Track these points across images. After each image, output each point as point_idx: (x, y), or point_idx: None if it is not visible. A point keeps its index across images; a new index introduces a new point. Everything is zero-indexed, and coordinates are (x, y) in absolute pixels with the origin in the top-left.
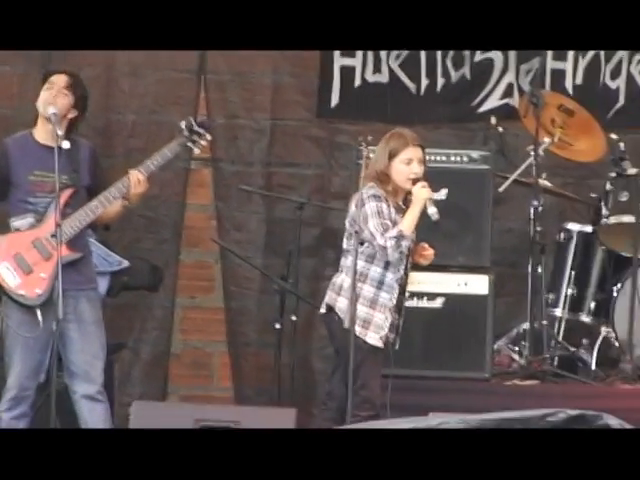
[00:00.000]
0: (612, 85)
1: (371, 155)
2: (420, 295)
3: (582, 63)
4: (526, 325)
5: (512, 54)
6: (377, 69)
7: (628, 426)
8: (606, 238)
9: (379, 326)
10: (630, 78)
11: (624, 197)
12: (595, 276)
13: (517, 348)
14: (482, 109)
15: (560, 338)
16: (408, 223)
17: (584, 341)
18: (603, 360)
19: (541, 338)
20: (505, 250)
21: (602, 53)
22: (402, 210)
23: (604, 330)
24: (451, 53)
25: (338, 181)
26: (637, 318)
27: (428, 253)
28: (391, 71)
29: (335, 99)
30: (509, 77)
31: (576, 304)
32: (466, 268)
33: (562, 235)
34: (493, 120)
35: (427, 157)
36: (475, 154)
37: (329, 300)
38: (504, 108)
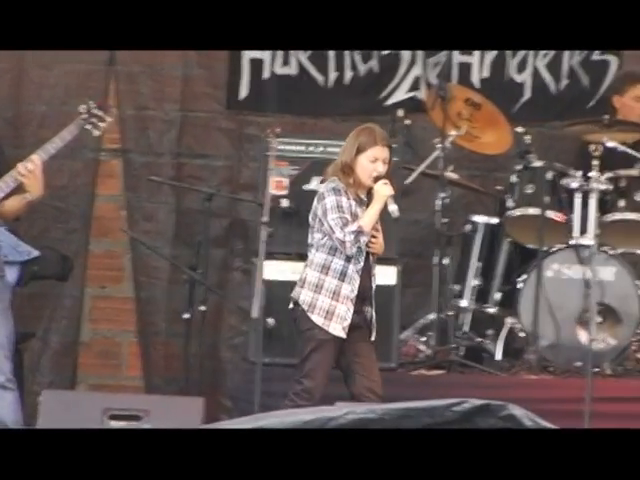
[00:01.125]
0: (518, 79)
1: (280, 147)
2: None
3: (488, 57)
4: (432, 316)
5: None
6: (286, 62)
7: (532, 416)
8: (512, 230)
9: (342, 317)
10: (536, 72)
11: (529, 189)
12: (501, 268)
13: (424, 338)
14: (390, 102)
15: (466, 329)
16: (368, 219)
17: (489, 332)
18: (508, 350)
19: (447, 328)
20: (412, 241)
21: None
22: (364, 203)
23: (509, 321)
24: None
25: (247, 172)
26: (542, 309)
27: (375, 241)
28: (300, 64)
29: (244, 91)
30: (416, 70)
31: (482, 295)
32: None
33: (468, 227)
34: (400, 113)
35: (334, 149)
36: None
37: (294, 294)
38: (411, 101)
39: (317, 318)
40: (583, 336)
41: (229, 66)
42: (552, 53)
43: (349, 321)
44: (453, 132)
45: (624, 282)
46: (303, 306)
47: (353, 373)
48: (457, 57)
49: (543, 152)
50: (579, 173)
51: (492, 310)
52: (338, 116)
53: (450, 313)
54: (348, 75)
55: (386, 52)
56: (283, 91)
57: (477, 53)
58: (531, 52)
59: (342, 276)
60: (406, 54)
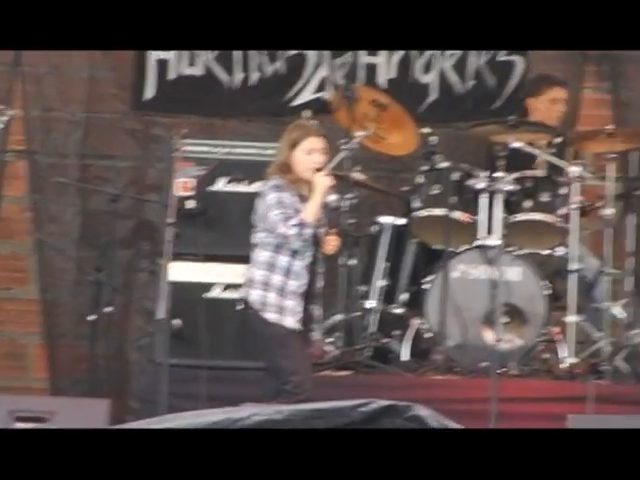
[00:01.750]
0: (424, 80)
1: (186, 148)
2: (235, 286)
3: (395, 58)
4: (339, 317)
5: None
6: (192, 62)
7: (438, 416)
8: (418, 231)
9: (293, 311)
10: (442, 73)
11: (436, 190)
12: (407, 268)
13: (331, 339)
14: (296, 103)
15: (373, 329)
16: (310, 211)
17: (396, 332)
18: (415, 351)
19: (354, 330)
20: None
21: None
22: (306, 199)
23: (416, 322)
24: None
25: (153, 173)
26: (448, 310)
27: (331, 239)
28: (206, 64)
29: (150, 92)
30: (323, 71)
31: (389, 296)
32: None
33: (375, 228)
34: (307, 114)
35: (240, 150)
36: None
37: (243, 294)
38: (318, 102)
39: (270, 315)
40: (489, 336)
41: (135, 67)
42: (458, 54)
43: (300, 315)
44: (359, 133)
45: (530, 282)
46: (254, 306)
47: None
48: (363, 58)
49: (449, 153)
50: (485, 174)
51: (399, 311)
52: (244, 117)
53: (357, 314)
54: (254, 76)
55: (292, 53)
56: (189, 92)
57: (383, 54)
58: (437, 53)
59: (287, 272)
60: (312, 55)
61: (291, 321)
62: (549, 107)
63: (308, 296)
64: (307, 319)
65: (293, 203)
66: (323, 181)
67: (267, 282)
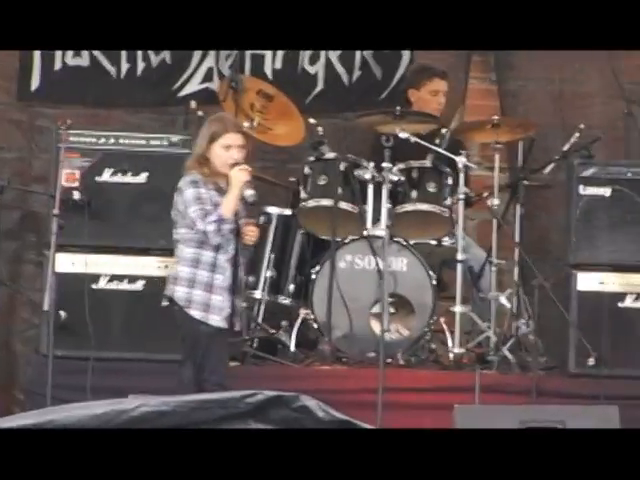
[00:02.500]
0: (311, 70)
1: (71, 139)
2: (121, 277)
3: None
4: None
5: None
6: (77, 53)
7: (325, 406)
8: (305, 221)
9: (219, 307)
10: (329, 63)
11: (322, 181)
12: (294, 259)
13: None
14: (182, 93)
15: (260, 320)
16: (227, 206)
17: (283, 323)
18: (302, 342)
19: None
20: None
21: None
22: (224, 192)
23: (303, 312)
24: None
25: (39, 164)
26: (335, 300)
27: (249, 230)
28: (91, 55)
29: (35, 82)
30: (209, 62)
31: (276, 287)
32: (167, 251)
33: (262, 218)
34: (193, 104)
35: (126, 141)
36: (175, 138)
37: (168, 292)
38: (204, 92)
39: (196, 312)
40: (376, 327)
41: (20, 57)
42: None
43: (228, 310)
44: (246, 124)
45: (417, 273)
46: (180, 302)
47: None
48: None
49: (336, 143)
50: (371, 164)
51: (286, 301)
52: (131, 107)
53: (244, 305)
54: (140, 66)
55: None
56: (75, 82)
57: None
58: None
59: (213, 267)
60: None
61: (217, 319)
62: (429, 98)
63: (233, 289)
64: (232, 312)
65: (211, 197)
66: (239, 176)
67: (193, 279)
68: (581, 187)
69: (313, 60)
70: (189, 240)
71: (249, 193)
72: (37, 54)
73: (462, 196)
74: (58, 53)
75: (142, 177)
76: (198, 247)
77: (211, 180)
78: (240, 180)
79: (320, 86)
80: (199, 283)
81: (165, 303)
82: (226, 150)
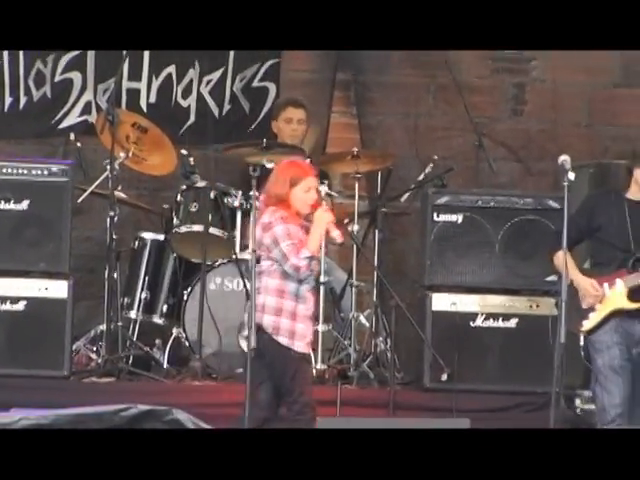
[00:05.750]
0: (184, 104)
1: None
2: (3, 299)
3: (156, 83)
4: (103, 326)
5: (90, 74)
6: None
7: (195, 420)
8: (177, 246)
9: (302, 335)
10: (200, 97)
11: (194, 208)
12: (167, 281)
13: (95, 348)
14: (62, 125)
15: (135, 338)
16: (314, 244)
17: (157, 341)
18: (174, 359)
19: (117, 338)
20: (85, 257)
21: (174, 74)
22: (304, 228)
23: (175, 331)
24: (33, 72)
25: None
26: (206, 320)
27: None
28: None
29: None
30: (88, 95)
31: (150, 307)
32: (47, 274)
33: (137, 243)
34: (72, 136)
35: (10, 170)
36: (55, 167)
37: (257, 320)
38: (83, 124)
39: (282, 339)
40: (244, 344)
41: None
42: (215, 79)
43: (310, 337)
44: (122, 154)
45: None
46: (267, 330)
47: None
48: (126, 83)
49: (206, 173)
50: (240, 193)
51: (159, 321)
52: (13, 139)
53: (120, 324)
54: (23, 100)
55: (58, 79)
56: None
57: (145, 79)
58: (195, 78)
59: (296, 297)
60: (77, 80)
61: (301, 345)
62: (284, 126)
63: (314, 318)
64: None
65: (297, 233)
66: (325, 217)
67: (280, 307)
68: (435, 214)
69: (186, 94)
70: (273, 272)
71: (336, 233)
72: None
73: None
74: None
75: (24, 204)
76: (282, 278)
77: (294, 219)
78: (325, 221)
79: (192, 119)
80: (285, 312)
81: (247, 333)
82: (306, 192)
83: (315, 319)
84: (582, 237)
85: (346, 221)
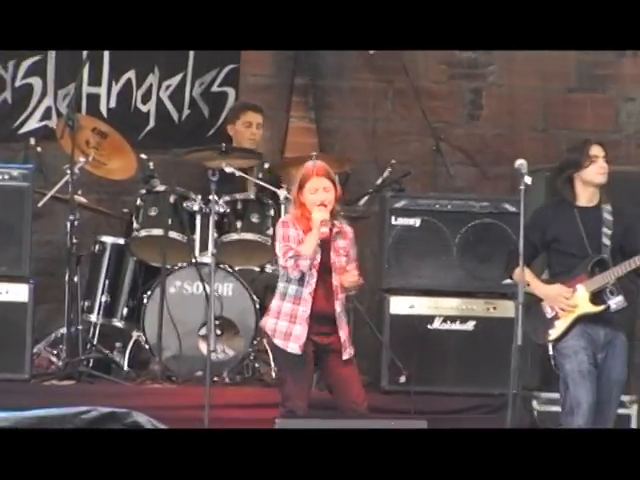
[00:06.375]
0: (143, 109)
1: None
2: None
3: (116, 88)
4: (64, 330)
5: (51, 79)
6: None
7: (155, 422)
8: (137, 249)
9: (298, 336)
10: (160, 102)
11: (153, 212)
12: (127, 284)
13: (55, 351)
14: (23, 130)
15: (95, 342)
16: (306, 244)
17: (117, 344)
18: (134, 362)
19: (78, 342)
20: (45, 261)
21: (134, 79)
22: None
23: (135, 334)
24: None
25: None
26: (165, 323)
27: (350, 275)
28: None
29: None
30: (48, 101)
31: (110, 310)
32: (7, 277)
33: (97, 247)
34: (32, 141)
35: None
36: (16, 172)
37: (262, 323)
38: (43, 130)
39: (278, 341)
40: (203, 347)
41: None
42: (175, 84)
43: (304, 339)
44: (82, 159)
45: (242, 297)
46: (268, 332)
47: (333, 390)
48: (86, 88)
49: (166, 177)
50: (199, 197)
51: (119, 324)
52: None
53: (80, 327)
54: None
55: (19, 84)
56: None
57: (105, 85)
58: (155, 83)
59: (297, 299)
60: (38, 86)
61: (294, 347)
62: (244, 130)
63: (329, 321)
64: (336, 343)
65: (298, 236)
66: (317, 215)
67: (279, 310)
68: (393, 218)
69: (145, 99)
70: (282, 275)
71: (322, 230)
72: None
73: None
74: None
75: None
76: (286, 281)
77: (303, 221)
78: (317, 219)
79: (152, 124)
80: (284, 314)
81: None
82: (313, 193)
83: (327, 324)
84: (537, 251)
85: None
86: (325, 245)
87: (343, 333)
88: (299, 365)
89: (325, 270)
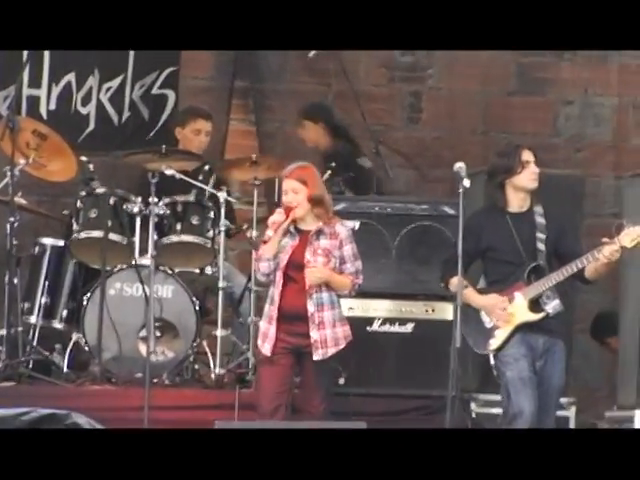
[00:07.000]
0: (83, 111)
1: None
2: None
3: (56, 90)
4: (3, 331)
5: None
6: None
7: (94, 423)
8: (77, 251)
9: (271, 337)
10: (100, 105)
11: (93, 214)
12: (67, 286)
13: None
14: None
15: (35, 343)
16: (266, 246)
17: (57, 346)
18: (74, 363)
19: (17, 343)
20: None
21: (74, 81)
22: (293, 234)
23: (75, 336)
24: None
25: None
26: (105, 325)
27: (311, 275)
28: None
29: None
30: None
31: (50, 312)
32: None
33: (37, 249)
34: None
35: None
36: None
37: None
38: None
39: (259, 342)
40: (143, 349)
41: None
42: (115, 87)
43: (274, 340)
44: (22, 161)
45: (181, 299)
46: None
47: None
48: (26, 90)
49: (106, 179)
50: (139, 199)
51: (59, 326)
52: None
53: (20, 329)
54: None
55: None
56: None
57: (45, 87)
58: (95, 86)
59: (272, 300)
60: None
61: (267, 348)
62: (192, 137)
63: (299, 321)
64: (305, 342)
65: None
66: (271, 218)
67: (263, 312)
68: None
69: (85, 101)
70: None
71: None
72: None
73: (223, 228)
74: None
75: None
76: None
77: (274, 224)
78: (270, 222)
79: (92, 126)
80: (264, 315)
81: None
82: (284, 195)
83: (298, 323)
84: (472, 260)
85: (245, 227)
86: (300, 245)
87: (315, 333)
88: (267, 366)
89: (297, 270)
